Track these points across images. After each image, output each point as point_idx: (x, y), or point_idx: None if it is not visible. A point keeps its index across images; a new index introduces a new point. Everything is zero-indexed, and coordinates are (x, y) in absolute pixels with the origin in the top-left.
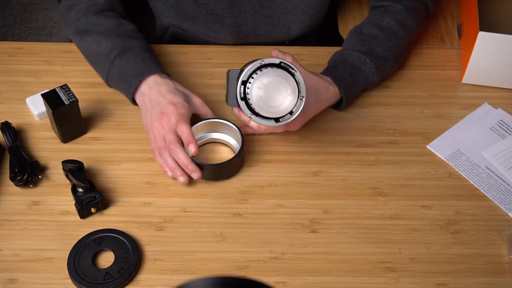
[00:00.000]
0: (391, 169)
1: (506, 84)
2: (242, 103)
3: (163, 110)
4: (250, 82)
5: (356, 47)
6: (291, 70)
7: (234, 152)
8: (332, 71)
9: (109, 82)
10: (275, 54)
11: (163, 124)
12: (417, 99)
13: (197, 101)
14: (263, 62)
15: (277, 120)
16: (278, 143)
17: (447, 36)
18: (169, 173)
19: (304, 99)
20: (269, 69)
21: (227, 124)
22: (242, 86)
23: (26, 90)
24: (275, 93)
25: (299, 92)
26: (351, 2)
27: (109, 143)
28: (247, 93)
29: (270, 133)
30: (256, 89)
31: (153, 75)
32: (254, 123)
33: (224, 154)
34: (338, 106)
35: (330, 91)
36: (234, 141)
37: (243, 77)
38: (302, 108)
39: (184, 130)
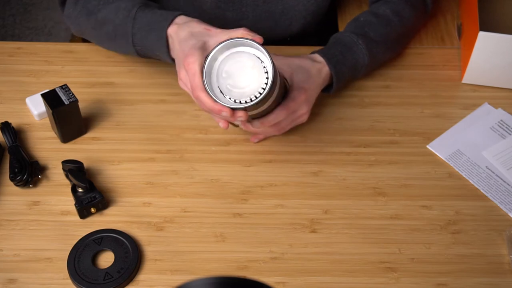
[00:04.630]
0: (391, 169)
1: (506, 84)
2: (228, 101)
3: (179, 66)
4: (215, 76)
5: (350, 30)
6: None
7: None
8: (323, 50)
9: (136, 44)
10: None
11: (184, 83)
12: (417, 99)
13: (215, 37)
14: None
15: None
16: (278, 143)
17: (447, 36)
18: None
19: (271, 63)
20: (222, 55)
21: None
22: (218, 88)
23: (26, 90)
24: (239, 74)
25: (261, 61)
26: (351, 2)
27: (109, 143)
28: (221, 91)
29: (278, 124)
30: (223, 81)
31: (179, 16)
32: (257, 123)
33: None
34: (329, 89)
35: (316, 66)
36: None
37: (209, 84)
38: (298, 86)
39: (201, 98)
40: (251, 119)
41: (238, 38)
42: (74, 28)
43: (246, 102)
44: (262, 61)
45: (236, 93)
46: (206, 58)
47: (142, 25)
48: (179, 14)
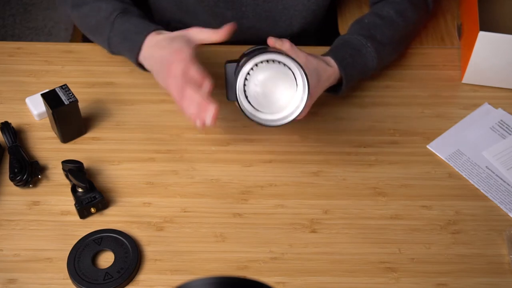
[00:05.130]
0: (391, 169)
1: (506, 84)
2: (245, 101)
3: (169, 62)
4: (247, 79)
5: (357, 32)
6: (287, 63)
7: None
8: (333, 51)
9: (111, 46)
10: (272, 43)
11: (174, 74)
12: (417, 99)
13: (193, 32)
14: (257, 60)
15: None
16: (278, 143)
17: (447, 36)
18: (198, 122)
19: (306, 93)
20: (264, 64)
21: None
22: (242, 83)
23: (26, 90)
24: (272, 88)
25: (297, 85)
26: (351, 2)
27: (109, 143)
28: (245, 90)
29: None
30: (253, 87)
31: (153, 32)
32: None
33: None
34: (337, 90)
35: (328, 71)
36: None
37: (240, 75)
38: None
39: (193, 70)
40: None
41: (289, 57)
42: (65, 13)
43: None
44: (297, 84)
45: (259, 102)
46: (242, 58)
47: (118, 32)
48: (151, 31)
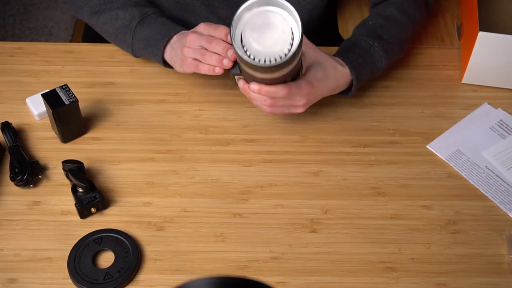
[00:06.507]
0: (391, 169)
1: (506, 84)
2: (243, 53)
3: (183, 41)
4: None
5: (363, 34)
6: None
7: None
8: (341, 53)
9: (134, 51)
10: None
11: (189, 40)
12: (417, 99)
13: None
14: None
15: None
16: (278, 143)
17: (447, 36)
18: (205, 68)
19: (299, 37)
20: (259, 8)
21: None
22: (240, 37)
23: (26, 90)
24: (267, 32)
25: (292, 31)
26: (351, 2)
27: (109, 143)
28: (242, 41)
29: (274, 99)
30: (249, 32)
31: (175, 35)
32: (255, 87)
33: None
34: (347, 91)
35: (338, 70)
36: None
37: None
38: (308, 80)
39: (203, 30)
40: (252, 80)
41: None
42: (75, 13)
43: (259, 61)
44: (292, 32)
45: (255, 49)
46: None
47: (140, 39)
48: (173, 34)
